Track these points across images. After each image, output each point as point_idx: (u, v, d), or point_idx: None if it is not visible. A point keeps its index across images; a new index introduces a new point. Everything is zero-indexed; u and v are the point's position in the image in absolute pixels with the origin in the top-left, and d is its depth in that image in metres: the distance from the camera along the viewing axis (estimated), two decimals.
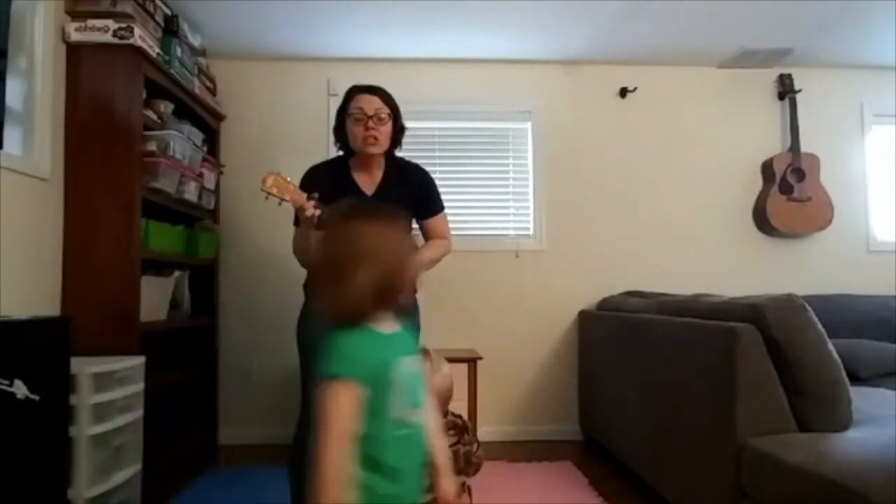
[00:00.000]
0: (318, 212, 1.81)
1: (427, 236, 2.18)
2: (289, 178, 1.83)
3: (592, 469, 3.04)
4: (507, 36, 3.45)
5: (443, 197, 2.22)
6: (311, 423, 1.90)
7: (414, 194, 2.12)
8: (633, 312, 2.90)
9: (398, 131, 2.08)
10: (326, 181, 1.83)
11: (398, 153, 2.18)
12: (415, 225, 2.19)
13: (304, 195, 1.81)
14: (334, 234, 1.17)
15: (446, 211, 2.23)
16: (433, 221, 2.17)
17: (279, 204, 1.84)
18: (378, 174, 2.08)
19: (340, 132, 2.06)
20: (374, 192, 2.06)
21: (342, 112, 2.05)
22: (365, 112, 1.98)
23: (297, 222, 1.98)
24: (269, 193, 1.78)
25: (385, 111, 2.02)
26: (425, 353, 1.64)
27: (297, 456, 2.02)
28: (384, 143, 2.03)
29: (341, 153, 2.14)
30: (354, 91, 2.05)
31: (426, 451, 1.17)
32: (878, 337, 3.12)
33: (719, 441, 1.90)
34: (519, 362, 3.71)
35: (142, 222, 2.60)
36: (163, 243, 2.82)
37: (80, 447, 1.98)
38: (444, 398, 1.61)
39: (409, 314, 2.10)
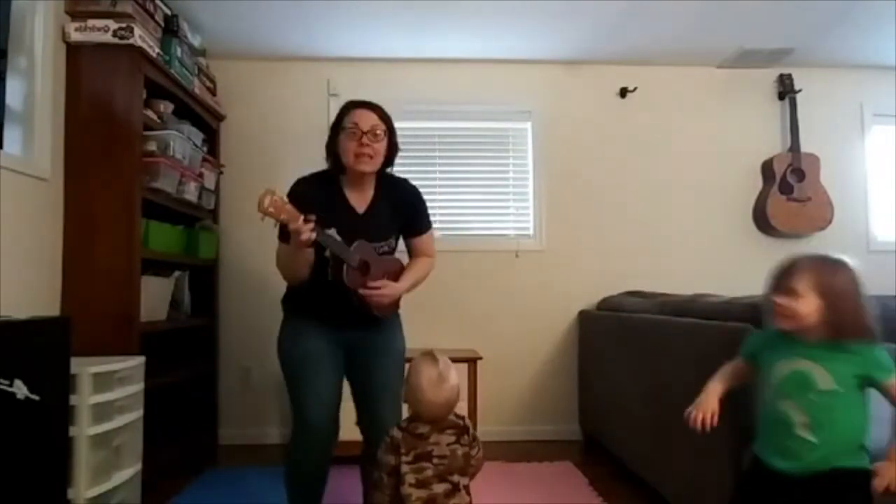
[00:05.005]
0: (314, 235, 1.73)
1: (413, 254, 2.14)
2: (285, 199, 1.73)
3: (592, 469, 3.04)
4: (507, 36, 3.45)
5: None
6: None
7: (404, 213, 2.07)
8: (633, 312, 2.90)
9: (392, 150, 2.01)
10: (316, 196, 1.75)
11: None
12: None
13: (301, 217, 1.71)
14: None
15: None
16: (421, 240, 2.13)
17: (275, 226, 1.75)
18: (369, 192, 2.01)
19: (333, 147, 1.97)
20: (365, 211, 2.00)
21: (336, 127, 1.97)
22: (360, 127, 1.89)
23: (283, 238, 1.88)
24: (267, 214, 1.68)
25: (381, 128, 1.93)
26: (433, 358, 1.60)
27: (294, 459, 2.00)
28: (377, 161, 1.94)
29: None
30: (350, 106, 1.97)
31: None
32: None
33: (719, 441, 1.89)
34: (519, 362, 3.71)
35: (142, 222, 2.60)
36: (163, 243, 2.82)
37: (80, 447, 1.98)
38: (450, 408, 1.60)
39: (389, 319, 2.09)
